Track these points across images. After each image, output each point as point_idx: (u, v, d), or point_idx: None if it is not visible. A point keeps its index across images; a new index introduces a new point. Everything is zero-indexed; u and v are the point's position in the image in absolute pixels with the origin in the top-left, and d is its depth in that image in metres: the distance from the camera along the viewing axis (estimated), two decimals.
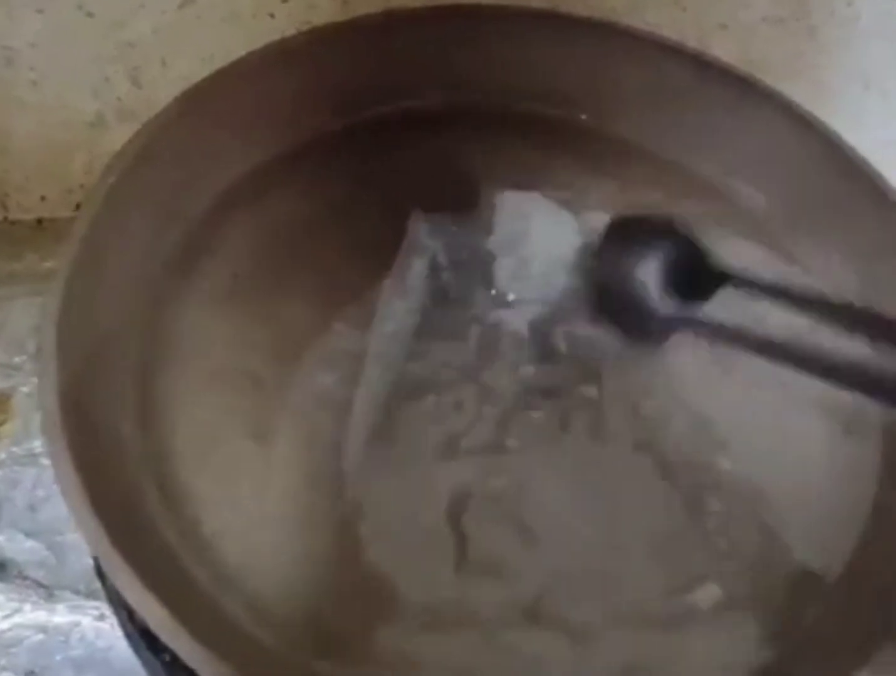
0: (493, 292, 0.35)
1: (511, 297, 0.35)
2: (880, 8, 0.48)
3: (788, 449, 0.33)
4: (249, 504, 0.29)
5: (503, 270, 0.35)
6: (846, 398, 0.31)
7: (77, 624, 0.37)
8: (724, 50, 0.49)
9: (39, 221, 0.52)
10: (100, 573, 0.32)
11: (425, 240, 0.35)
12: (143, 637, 0.28)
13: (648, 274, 0.33)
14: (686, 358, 0.34)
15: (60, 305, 0.27)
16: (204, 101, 0.35)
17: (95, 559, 0.30)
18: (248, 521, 0.29)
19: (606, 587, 0.29)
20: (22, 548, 0.39)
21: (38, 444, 0.42)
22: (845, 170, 0.36)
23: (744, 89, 0.39)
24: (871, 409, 0.32)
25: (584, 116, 0.41)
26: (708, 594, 0.29)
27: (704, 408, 0.33)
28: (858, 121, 0.52)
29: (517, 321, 0.35)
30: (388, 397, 0.32)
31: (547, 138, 0.40)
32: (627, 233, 0.34)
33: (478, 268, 0.35)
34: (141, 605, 0.23)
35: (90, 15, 0.44)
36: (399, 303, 0.34)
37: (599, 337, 0.34)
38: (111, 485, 0.26)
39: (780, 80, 0.50)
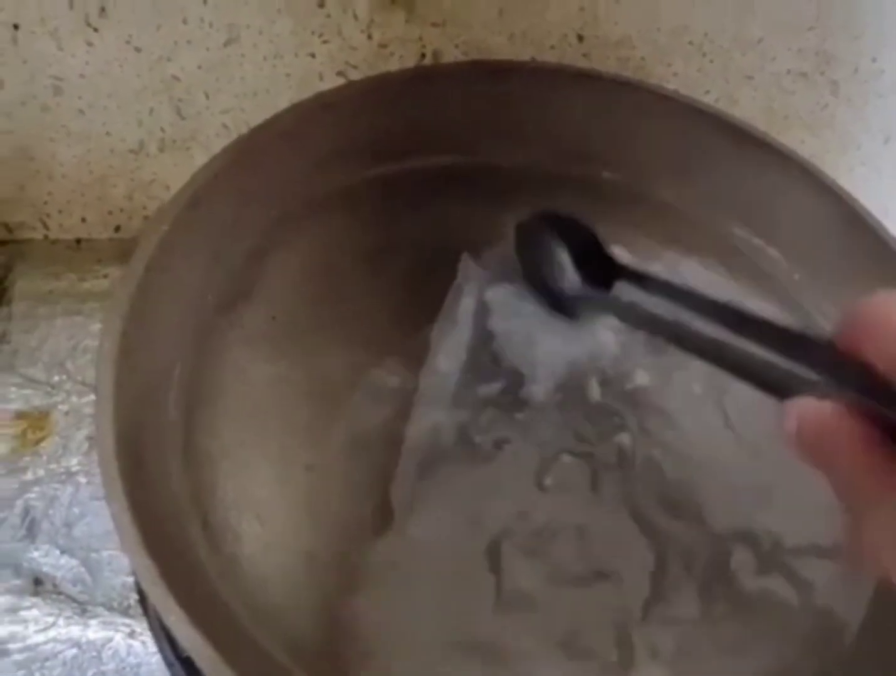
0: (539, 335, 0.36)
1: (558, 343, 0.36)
2: None
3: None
4: (287, 542, 0.31)
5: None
6: None
7: (109, 640, 0.39)
8: (749, 100, 0.51)
9: (78, 241, 0.54)
10: (142, 600, 0.34)
11: (474, 282, 0.36)
12: (183, 666, 0.29)
13: (562, 261, 0.35)
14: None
15: (117, 352, 0.29)
16: (247, 152, 0.36)
17: (139, 588, 0.32)
18: (285, 560, 0.30)
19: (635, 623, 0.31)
20: (58, 564, 0.41)
21: (75, 462, 0.44)
22: (855, 228, 0.38)
23: (762, 148, 0.40)
24: None
25: (610, 173, 0.42)
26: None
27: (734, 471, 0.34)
28: (879, 172, 0.54)
29: (560, 367, 0.36)
30: (436, 435, 0.33)
31: (575, 193, 0.41)
32: (542, 227, 0.36)
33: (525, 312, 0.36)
34: (190, 645, 0.24)
35: (138, 50, 0.46)
36: (450, 341, 0.35)
37: (636, 388, 0.36)
38: (161, 524, 0.27)
39: (803, 130, 0.52)
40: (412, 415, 0.34)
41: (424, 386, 0.34)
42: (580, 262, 0.35)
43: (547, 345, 0.36)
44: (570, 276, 0.35)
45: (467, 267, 0.37)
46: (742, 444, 0.35)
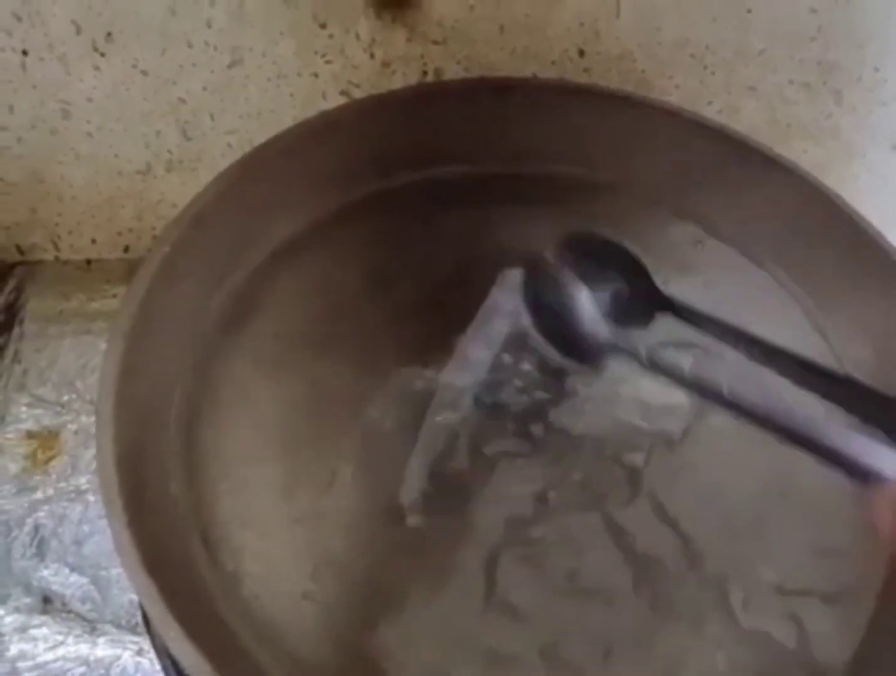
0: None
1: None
2: None
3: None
4: (289, 561, 0.31)
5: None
6: None
7: (118, 658, 0.39)
8: (752, 111, 0.51)
9: (89, 262, 0.54)
10: (144, 618, 0.34)
11: (511, 300, 0.36)
12: None
13: (588, 297, 0.33)
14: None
15: (118, 371, 0.29)
16: (250, 171, 0.37)
17: (141, 606, 0.32)
18: (287, 578, 0.30)
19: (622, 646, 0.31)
20: (67, 582, 0.41)
21: (84, 481, 0.45)
22: (860, 242, 0.37)
23: (763, 161, 0.40)
24: None
25: (615, 184, 0.42)
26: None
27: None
28: (885, 181, 0.53)
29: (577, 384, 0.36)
30: (448, 442, 0.34)
31: (578, 204, 0.41)
32: (578, 254, 0.33)
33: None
34: (189, 663, 0.24)
35: (145, 73, 0.47)
36: (477, 355, 0.35)
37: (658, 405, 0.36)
38: (162, 543, 0.28)
39: (807, 140, 0.52)
40: (427, 417, 0.34)
41: (443, 392, 0.34)
42: (611, 300, 0.32)
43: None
44: (591, 318, 0.32)
45: (505, 280, 0.37)
46: (750, 481, 0.35)
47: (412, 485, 0.33)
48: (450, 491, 0.33)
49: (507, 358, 0.36)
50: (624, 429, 0.35)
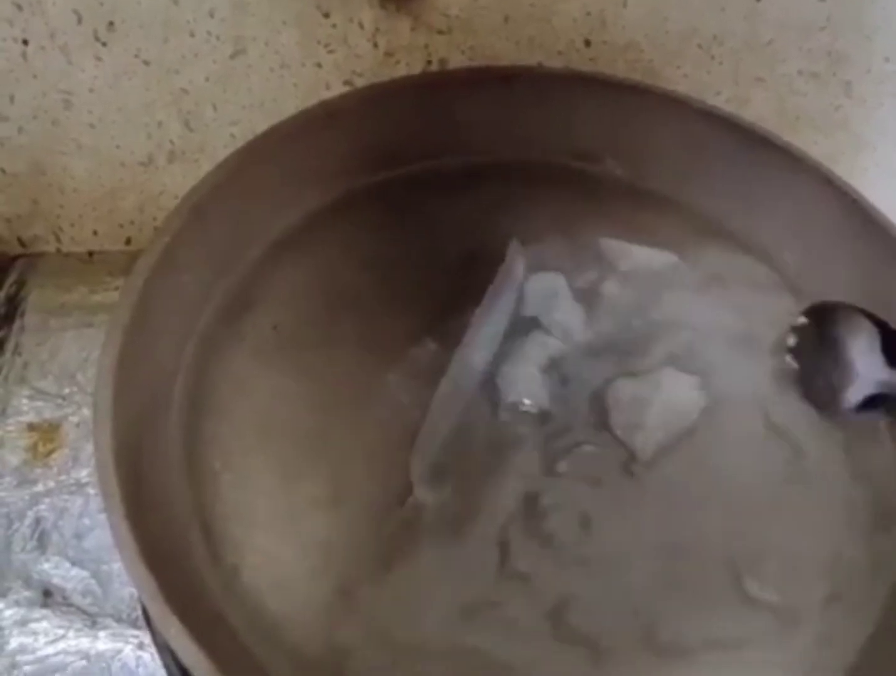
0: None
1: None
2: None
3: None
4: (288, 554, 0.30)
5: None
6: None
7: (119, 652, 0.39)
8: (760, 102, 0.50)
9: (90, 254, 0.54)
10: (145, 612, 0.34)
11: (520, 273, 0.36)
12: None
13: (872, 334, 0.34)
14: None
15: (117, 364, 0.29)
16: (250, 161, 0.37)
17: (141, 600, 0.32)
18: (286, 573, 0.30)
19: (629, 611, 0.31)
20: (68, 576, 0.41)
21: (85, 474, 0.44)
22: (870, 232, 0.37)
23: (769, 149, 0.39)
24: None
25: (619, 172, 0.42)
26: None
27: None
28: (894, 173, 0.53)
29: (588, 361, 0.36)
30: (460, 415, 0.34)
31: (582, 194, 0.41)
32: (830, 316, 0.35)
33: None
34: (189, 659, 0.24)
35: (147, 63, 0.46)
36: (487, 330, 0.35)
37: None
38: (161, 537, 0.27)
39: (816, 132, 0.51)
40: (438, 391, 0.34)
41: (455, 368, 0.34)
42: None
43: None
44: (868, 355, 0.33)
45: (515, 253, 0.37)
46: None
47: (422, 458, 0.33)
48: (460, 466, 0.33)
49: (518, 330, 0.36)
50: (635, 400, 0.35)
